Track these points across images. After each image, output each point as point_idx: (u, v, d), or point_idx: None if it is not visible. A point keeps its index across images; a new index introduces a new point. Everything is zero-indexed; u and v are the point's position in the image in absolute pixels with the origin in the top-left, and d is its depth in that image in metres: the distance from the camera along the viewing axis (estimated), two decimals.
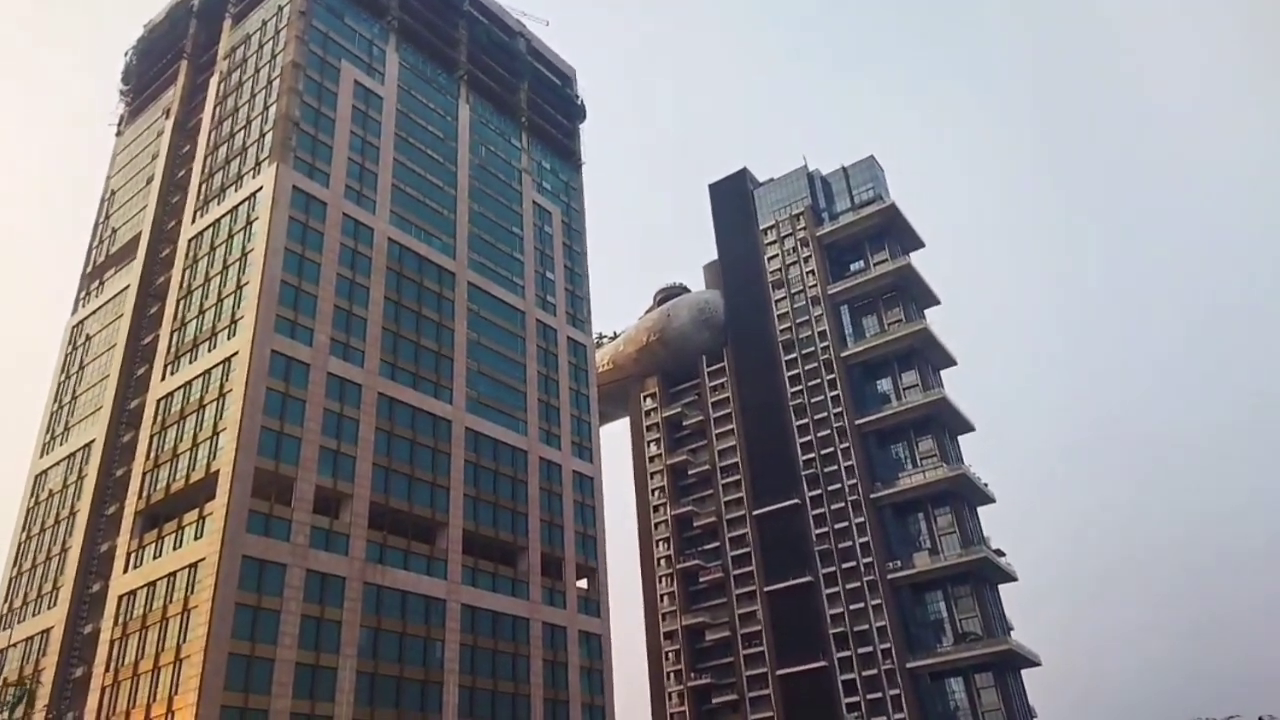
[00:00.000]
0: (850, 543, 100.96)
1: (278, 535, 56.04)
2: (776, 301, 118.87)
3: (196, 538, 55.24)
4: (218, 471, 56.18)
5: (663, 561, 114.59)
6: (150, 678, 52.71)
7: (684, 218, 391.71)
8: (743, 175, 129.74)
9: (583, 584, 77.32)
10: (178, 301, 68.97)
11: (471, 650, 64.44)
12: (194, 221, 72.66)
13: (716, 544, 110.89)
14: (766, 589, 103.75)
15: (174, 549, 56.50)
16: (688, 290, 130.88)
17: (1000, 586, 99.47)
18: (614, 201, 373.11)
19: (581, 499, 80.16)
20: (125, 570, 59.03)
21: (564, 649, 71.52)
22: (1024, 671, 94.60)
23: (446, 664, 62.22)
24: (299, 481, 58.34)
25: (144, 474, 61.78)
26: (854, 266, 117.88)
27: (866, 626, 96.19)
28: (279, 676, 52.79)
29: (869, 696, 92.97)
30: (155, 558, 57.59)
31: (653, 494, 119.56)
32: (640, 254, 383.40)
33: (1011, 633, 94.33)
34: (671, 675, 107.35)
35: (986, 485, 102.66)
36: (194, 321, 66.32)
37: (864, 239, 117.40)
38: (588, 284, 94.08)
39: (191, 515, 56.54)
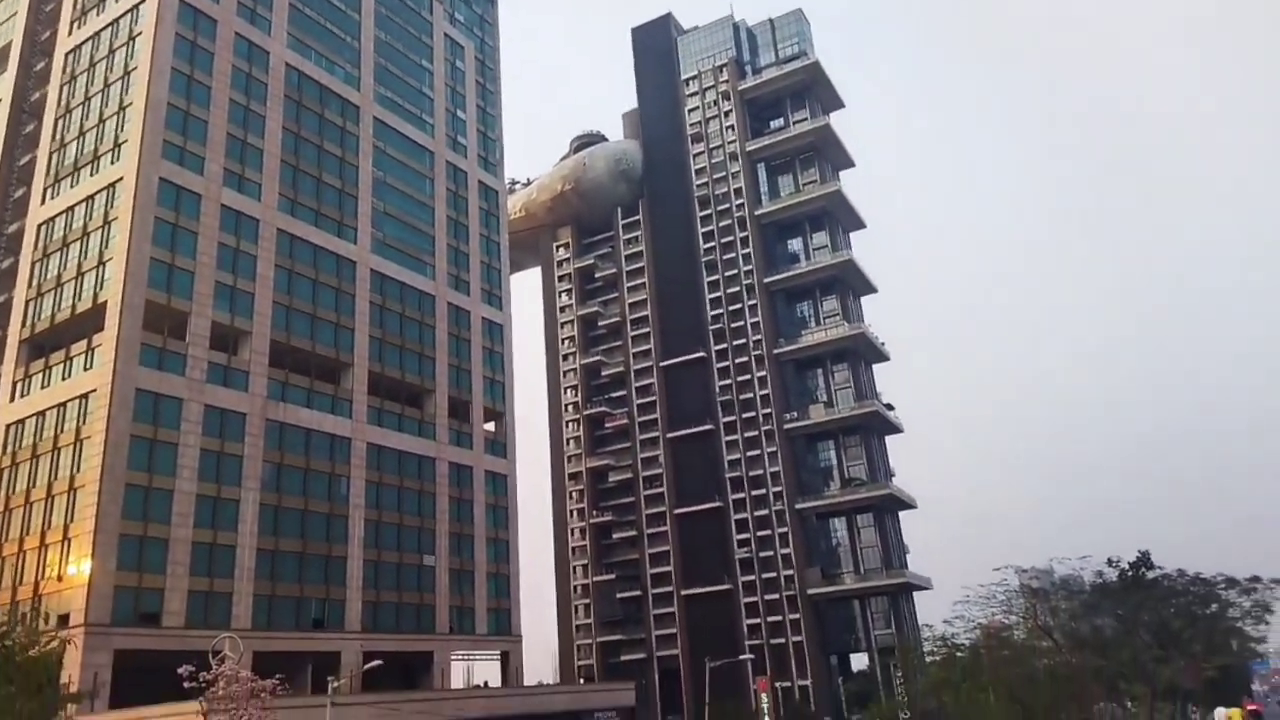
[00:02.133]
0: (751, 395, 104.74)
1: (172, 369, 55.03)
2: (695, 156, 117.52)
3: (86, 369, 53.89)
4: (105, 303, 54.27)
5: (570, 407, 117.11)
6: (44, 505, 52.45)
7: (604, 63, 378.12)
8: (666, 21, 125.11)
9: (490, 427, 78.88)
10: (56, 120, 64.41)
11: (377, 487, 65.79)
12: (71, 33, 66.95)
13: (623, 392, 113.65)
14: (669, 435, 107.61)
15: (63, 379, 55.11)
16: (605, 139, 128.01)
17: (887, 437, 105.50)
18: (531, 41, 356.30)
19: (490, 345, 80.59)
20: (12, 400, 57.50)
21: (470, 487, 73.60)
22: (901, 513, 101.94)
23: (352, 499, 63.53)
24: (193, 316, 56.90)
25: (27, 302, 59.30)
26: (774, 124, 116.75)
27: (761, 472, 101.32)
28: (179, 507, 53.17)
29: (759, 534, 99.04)
30: (43, 387, 56.13)
31: (563, 343, 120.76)
32: (557, 99, 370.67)
33: (893, 479, 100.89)
34: (574, 513, 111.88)
35: (883, 344, 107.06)
36: (74, 143, 62.23)
37: (785, 96, 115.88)
38: (501, 126, 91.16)
39: (80, 346, 54.92)
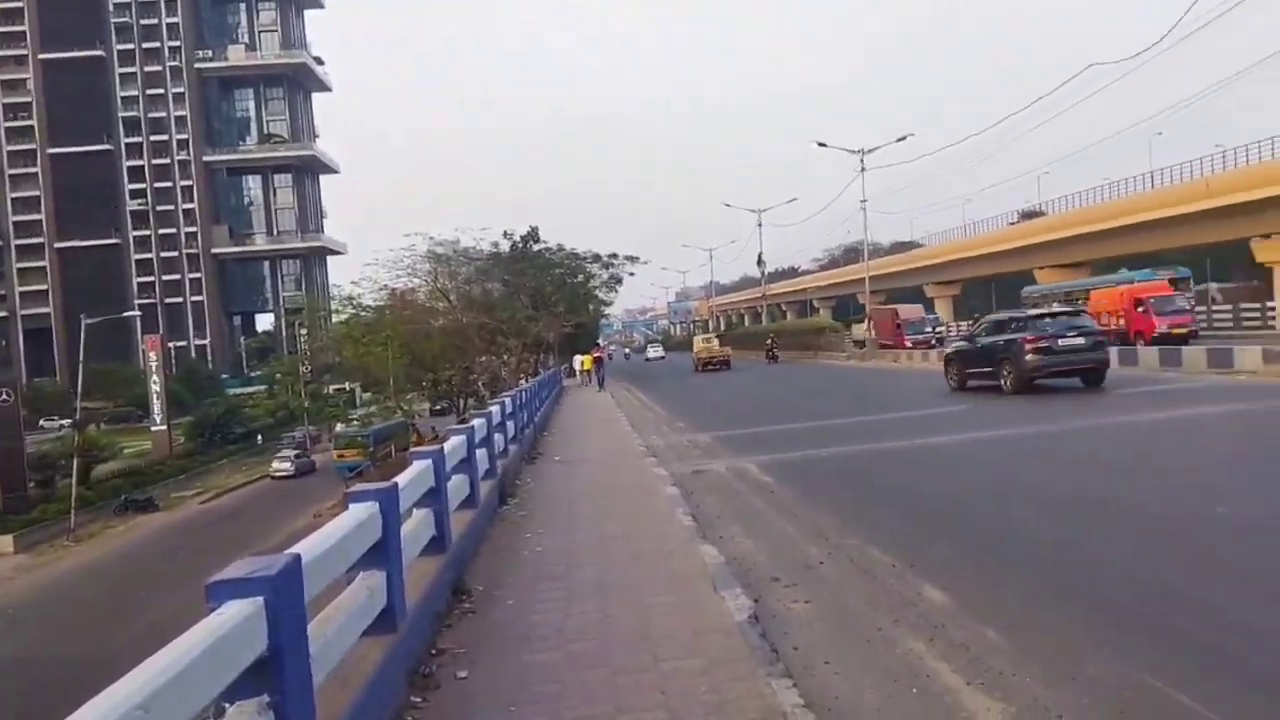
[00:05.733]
0: (156, 20, 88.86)
1: None
2: None
3: None
4: None
5: None
6: None
7: None
8: None
9: None
10: None
11: None
12: None
13: None
14: (42, 56, 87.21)
15: None
16: None
17: (315, 94, 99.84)
18: None
19: None
20: None
21: None
22: (323, 177, 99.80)
23: None
24: None
25: None
26: None
27: (164, 115, 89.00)
28: None
29: (158, 185, 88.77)
30: None
31: None
32: None
33: (317, 139, 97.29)
34: None
35: None
36: None
37: None
38: None
39: None
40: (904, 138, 45.56)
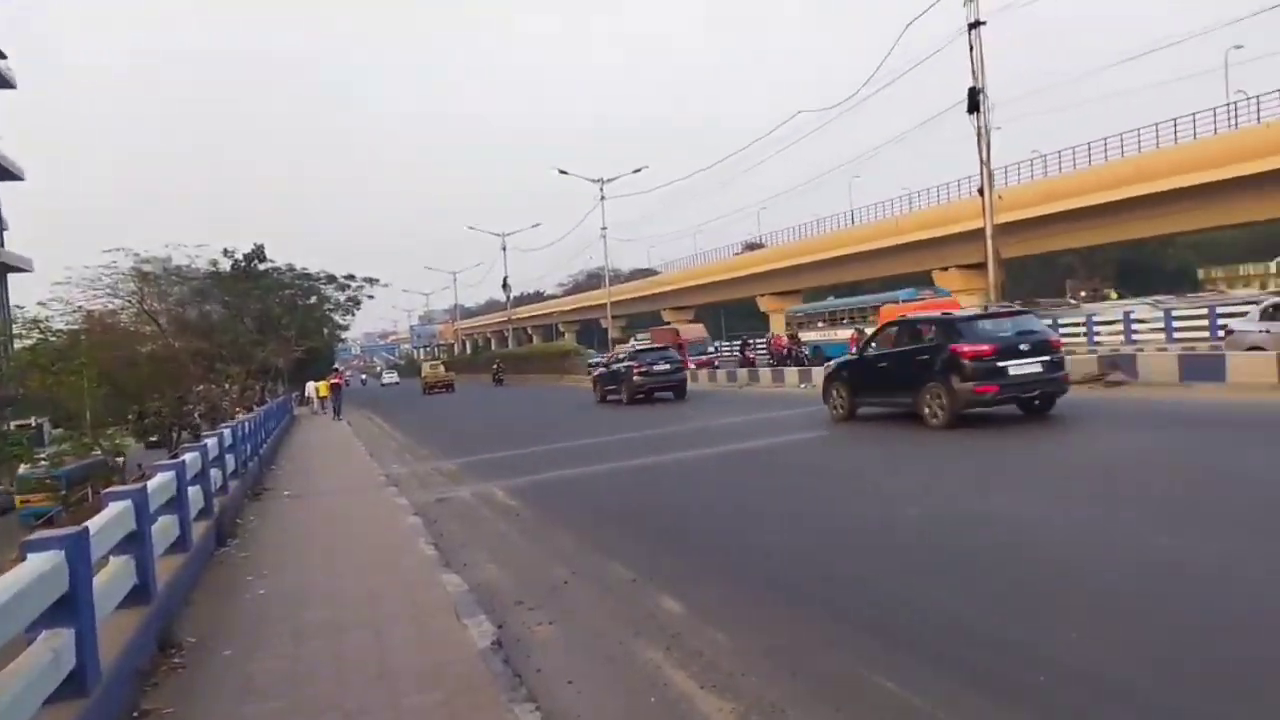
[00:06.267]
0: None
1: None
2: None
3: None
4: None
5: None
6: None
7: None
8: None
9: None
10: None
11: None
12: None
13: None
14: None
15: None
16: None
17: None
18: None
19: None
20: None
21: None
22: (3, 185, 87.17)
23: None
24: None
25: None
26: None
27: None
28: None
29: None
30: None
31: None
32: None
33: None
34: None
35: None
36: None
37: None
38: None
39: None
40: (639, 169, 47.88)
